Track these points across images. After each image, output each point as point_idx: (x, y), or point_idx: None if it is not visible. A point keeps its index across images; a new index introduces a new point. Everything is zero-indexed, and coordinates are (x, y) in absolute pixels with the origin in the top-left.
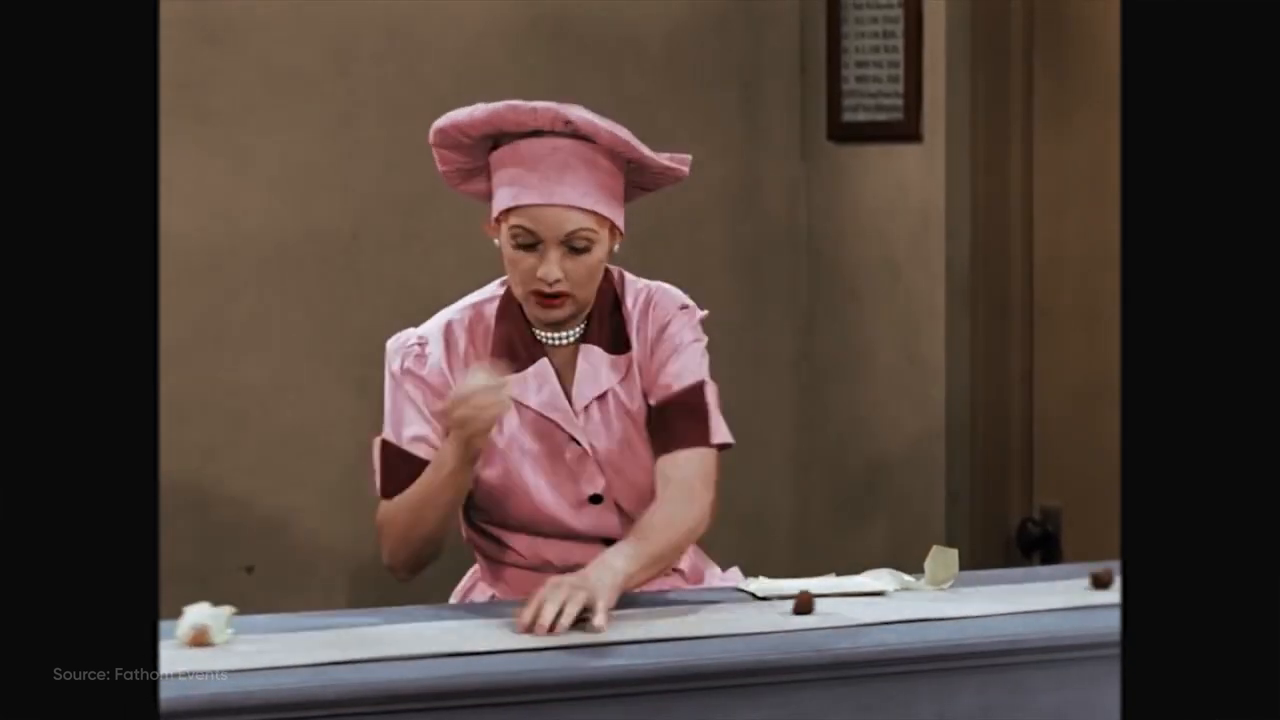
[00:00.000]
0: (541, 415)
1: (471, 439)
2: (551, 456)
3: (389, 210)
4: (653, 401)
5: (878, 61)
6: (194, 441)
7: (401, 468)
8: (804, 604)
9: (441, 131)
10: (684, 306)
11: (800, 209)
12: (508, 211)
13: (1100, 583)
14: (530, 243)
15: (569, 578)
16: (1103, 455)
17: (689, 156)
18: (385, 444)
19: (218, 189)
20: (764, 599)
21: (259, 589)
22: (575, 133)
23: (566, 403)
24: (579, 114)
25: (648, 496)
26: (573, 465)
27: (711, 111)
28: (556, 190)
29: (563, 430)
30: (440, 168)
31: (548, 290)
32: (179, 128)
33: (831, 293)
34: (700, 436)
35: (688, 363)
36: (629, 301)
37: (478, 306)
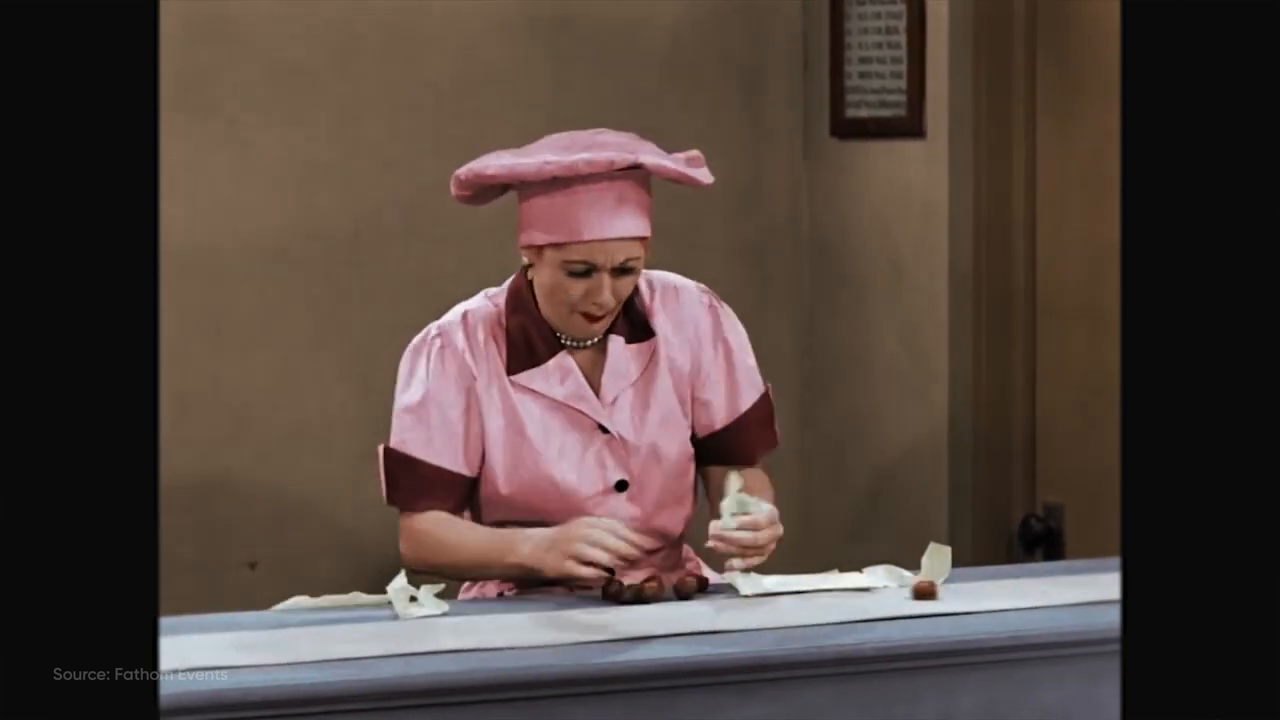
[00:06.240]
0: (567, 405)
1: (567, 564)
2: (578, 445)
3: (391, 207)
4: (722, 423)
5: (881, 57)
6: (197, 437)
7: (411, 475)
8: (925, 591)
9: (490, 177)
10: (710, 305)
11: (803, 205)
12: (561, 244)
13: (921, 595)
14: (584, 271)
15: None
16: (1106, 452)
17: (699, 153)
18: (391, 452)
19: (220, 185)
20: (751, 598)
21: (261, 585)
22: (630, 168)
23: (593, 394)
24: (651, 160)
25: (671, 485)
26: (600, 452)
27: (714, 108)
28: (614, 225)
29: (589, 419)
30: (456, 193)
31: (599, 312)
32: (181, 123)
33: (834, 289)
34: (772, 440)
35: (747, 377)
36: (645, 293)
37: (475, 312)
